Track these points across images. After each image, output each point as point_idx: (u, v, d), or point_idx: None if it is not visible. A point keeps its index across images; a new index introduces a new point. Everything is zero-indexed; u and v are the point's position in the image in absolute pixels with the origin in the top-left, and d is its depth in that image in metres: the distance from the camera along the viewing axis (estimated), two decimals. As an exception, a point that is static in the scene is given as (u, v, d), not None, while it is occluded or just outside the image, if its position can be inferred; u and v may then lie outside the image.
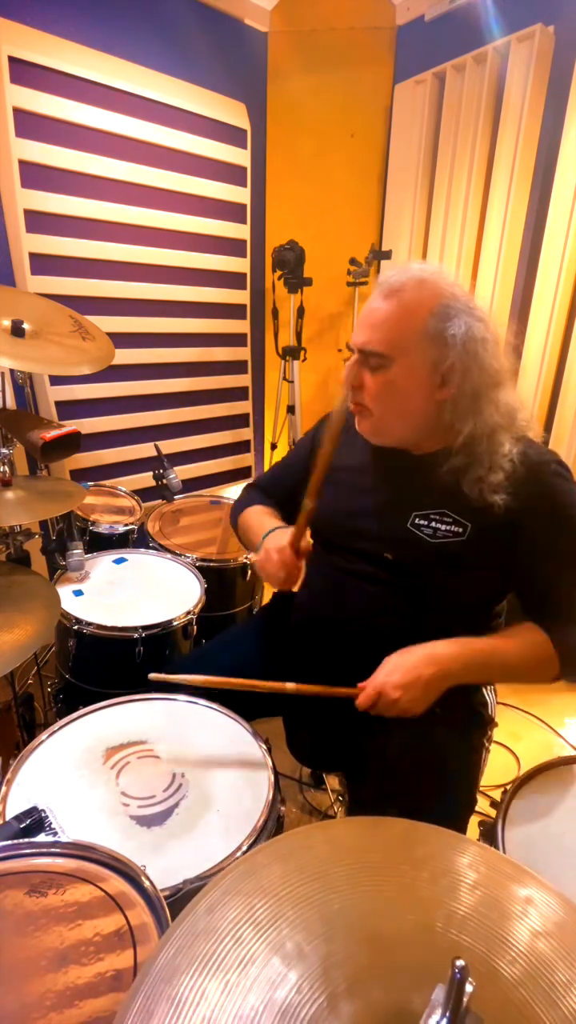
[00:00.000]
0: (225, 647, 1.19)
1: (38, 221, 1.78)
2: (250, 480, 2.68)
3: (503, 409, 0.92)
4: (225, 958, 0.45)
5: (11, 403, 1.75)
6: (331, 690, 0.91)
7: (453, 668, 0.87)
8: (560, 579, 0.92)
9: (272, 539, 1.02)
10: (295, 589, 1.02)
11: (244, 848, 0.77)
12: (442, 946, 0.49)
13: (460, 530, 0.93)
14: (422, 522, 0.96)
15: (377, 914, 0.51)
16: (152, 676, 0.95)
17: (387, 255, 2.29)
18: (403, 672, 0.85)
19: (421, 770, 0.87)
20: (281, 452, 2.57)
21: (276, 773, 0.90)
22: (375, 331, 0.91)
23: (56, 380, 1.91)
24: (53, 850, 0.67)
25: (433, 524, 0.95)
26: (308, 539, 1.01)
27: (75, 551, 1.45)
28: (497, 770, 1.64)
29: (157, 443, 2.03)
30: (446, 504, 0.95)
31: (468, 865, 0.57)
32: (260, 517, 1.14)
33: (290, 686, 0.92)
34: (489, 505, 0.90)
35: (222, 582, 1.65)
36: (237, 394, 2.53)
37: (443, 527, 0.94)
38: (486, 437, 0.91)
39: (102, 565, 1.54)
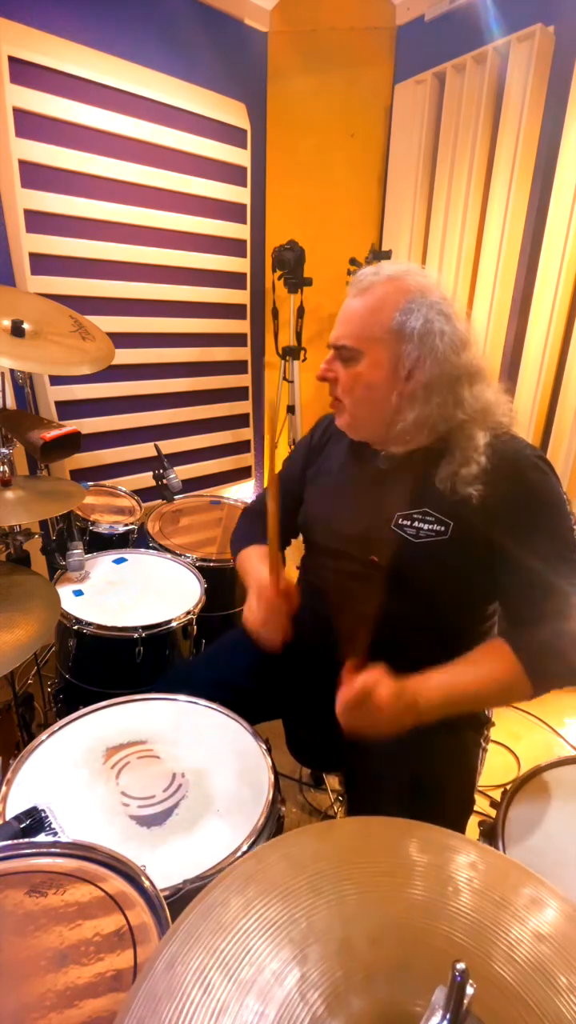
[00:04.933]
0: (223, 653, 1.19)
1: (38, 221, 1.77)
2: (255, 486, 2.70)
3: (475, 404, 0.93)
4: (195, 1014, 0.41)
5: (11, 403, 1.75)
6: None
7: (420, 701, 0.83)
8: (540, 576, 0.89)
9: (253, 587, 1.03)
10: (278, 650, 0.98)
11: (244, 848, 0.77)
12: (419, 944, 0.49)
13: (442, 528, 0.94)
14: (405, 523, 0.96)
15: (345, 922, 0.49)
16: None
17: (387, 255, 2.28)
18: (387, 682, 0.81)
19: (418, 770, 0.87)
20: (281, 452, 2.57)
21: (276, 773, 0.90)
22: (346, 326, 0.95)
23: (56, 380, 1.91)
24: (53, 850, 0.67)
25: (416, 524, 0.96)
26: (290, 582, 0.99)
27: (75, 551, 1.45)
28: (497, 770, 1.64)
29: (157, 443, 2.03)
30: (427, 503, 0.95)
31: (434, 858, 0.56)
32: (255, 561, 1.14)
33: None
34: (467, 499, 0.90)
35: (222, 582, 1.65)
36: (237, 394, 2.53)
37: (426, 527, 0.95)
38: (454, 431, 0.93)
39: (102, 565, 1.54)
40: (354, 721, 0.82)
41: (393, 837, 0.58)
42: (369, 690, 0.81)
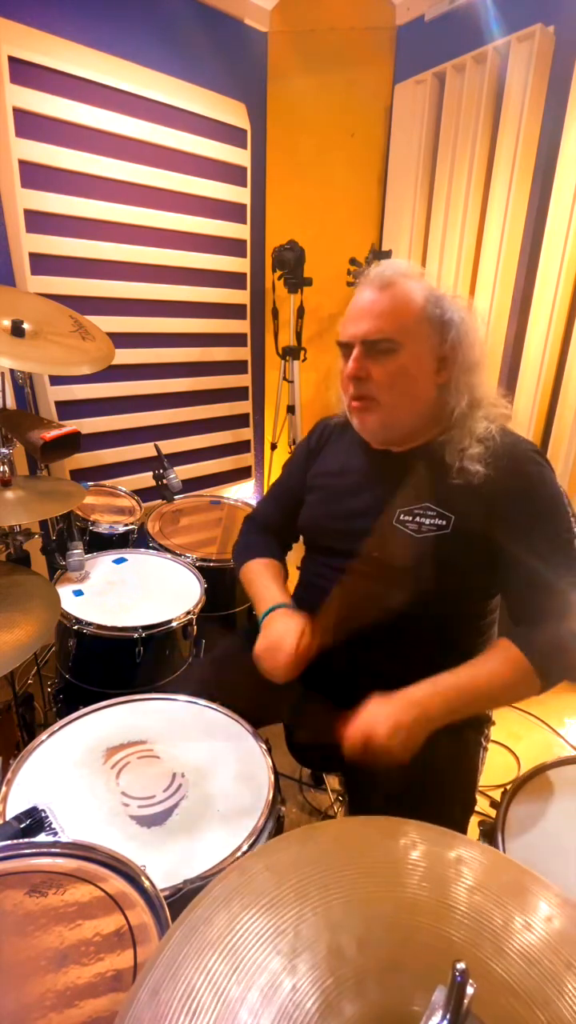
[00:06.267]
0: (226, 656, 1.19)
1: (38, 221, 1.77)
2: (255, 486, 2.70)
3: (480, 391, 0.97)
4: None
5: (11, 403, 1.75)
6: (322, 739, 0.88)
7: (430, 710, 0.83)
8: (540, 573, 0.90)
9: (273, 629, 1.00)
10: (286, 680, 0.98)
11: (244, 848, 0.77)
12: (408, 943, 0.48)
13: (444, 523, 0.94)
14: (406, 518, 0.97)
15: (333, 928, 0.48)
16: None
17: (387, 255, 2.28)
18: (382, 720, 0.82)
19: (418, 770, 0.87)
20: (281, 452, 2.57)
21: (276, 773, 0.90)
22: (380, 320, 0.93)
23: (56, 380, 1.91)
24: (53, 850, 0.67)
25: (417, 519, 0.96)
26: (308, 637, 0.98)
27: (75, 551, 1.45)
28: (497, 770, 1.64)
29: (157, 443, 2.03)
30: (428, 497, 0.96)
31: (409, 854, 0.56)
32: (262, 580, 1.13)
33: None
34: (468, 490, 0.91)
35: (222, 582, 1.65)
36: (237, 394, 2.53)
37: (427, 521, 0.95)
38: (468, 414, 0.96)
39: (102, 565, 1.54)
40: (365, 759, 0.83)
41: (375, 837, 0.58)
42: (367, 736, 0.82)
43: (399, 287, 0.94)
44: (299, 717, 1.03)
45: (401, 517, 0.97)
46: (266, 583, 1.12)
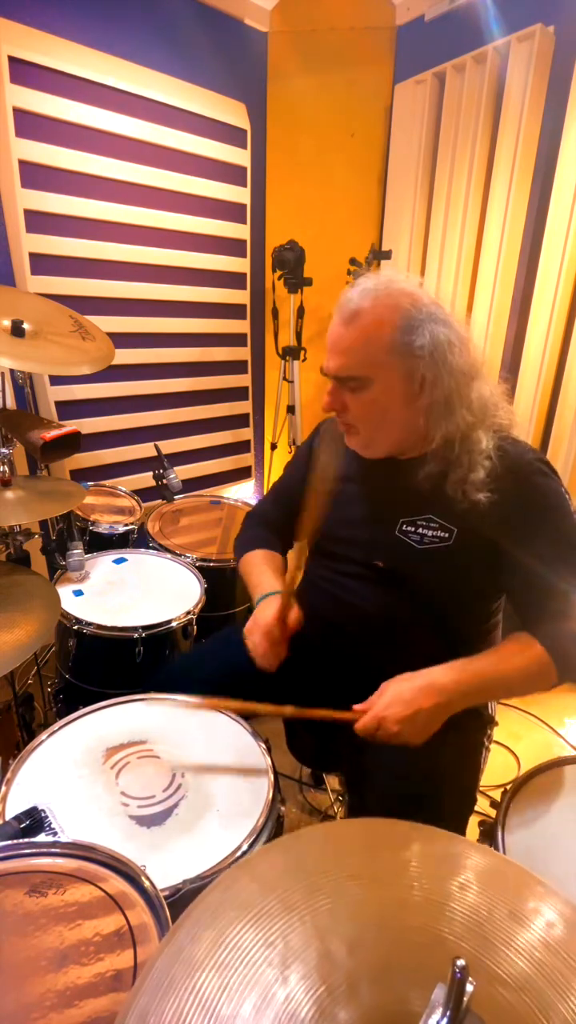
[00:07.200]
0: (223, 648, 1.19)
1: (38, 221, 1.77)
2: (255, 486, 2.70)
3: (476, 405, 0.93)
4: None
5: (11, 403, 1.75)
6: (329, 714, 0.88)
7: (453, 696, 0.84)
8: (546, 579, 0.90)
9: (262, 610, 1.01)
10: (272, 671, 0.99)
11: (244, 848, 0.77)
12: (398, 944, 0.48)
13: (446, 535, 0.94)
14: (409, 528, 0.97)
15: (321, 935, 0.48)
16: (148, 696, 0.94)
17: (387, 255, 2.29)
18: (403, 705, 0.82)
19: (419, 770, 0.87)
20: (281, 452, 2.57)
21: (276, 773, 0.90)
22: (345, 356, 0.92)
23: (56, 380, 1.91)
24: (53, 850, 0.67)
25: (420, 530, 0.96)
26: (296, 613, 0.98)
27: (75, 551, 1.45)
28: (497, 770, 1.64)
29: (157, 443, 2.03)
30: (431, 509, 0.95)
31: (398, 855, 0.56)
32: (260, 569, 1.13)
33: (288, 709, 0.90)
34: (474, 506, 0.90)
35: (222, 582, 1.65)
36: (237, 394, 2.53)
37: (430, 533, 0.95)
38: (460, 437, 0.92)
39: (102, 565, 1.54)
40: (382, 742, 0.83)
41: (363, 840, 0.58)
42: (375, 725, 0.82)
43: (366, 318, 0.89)
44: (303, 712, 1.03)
45: (404, 527, 0.97)
46: (263, 571, 1.12)
